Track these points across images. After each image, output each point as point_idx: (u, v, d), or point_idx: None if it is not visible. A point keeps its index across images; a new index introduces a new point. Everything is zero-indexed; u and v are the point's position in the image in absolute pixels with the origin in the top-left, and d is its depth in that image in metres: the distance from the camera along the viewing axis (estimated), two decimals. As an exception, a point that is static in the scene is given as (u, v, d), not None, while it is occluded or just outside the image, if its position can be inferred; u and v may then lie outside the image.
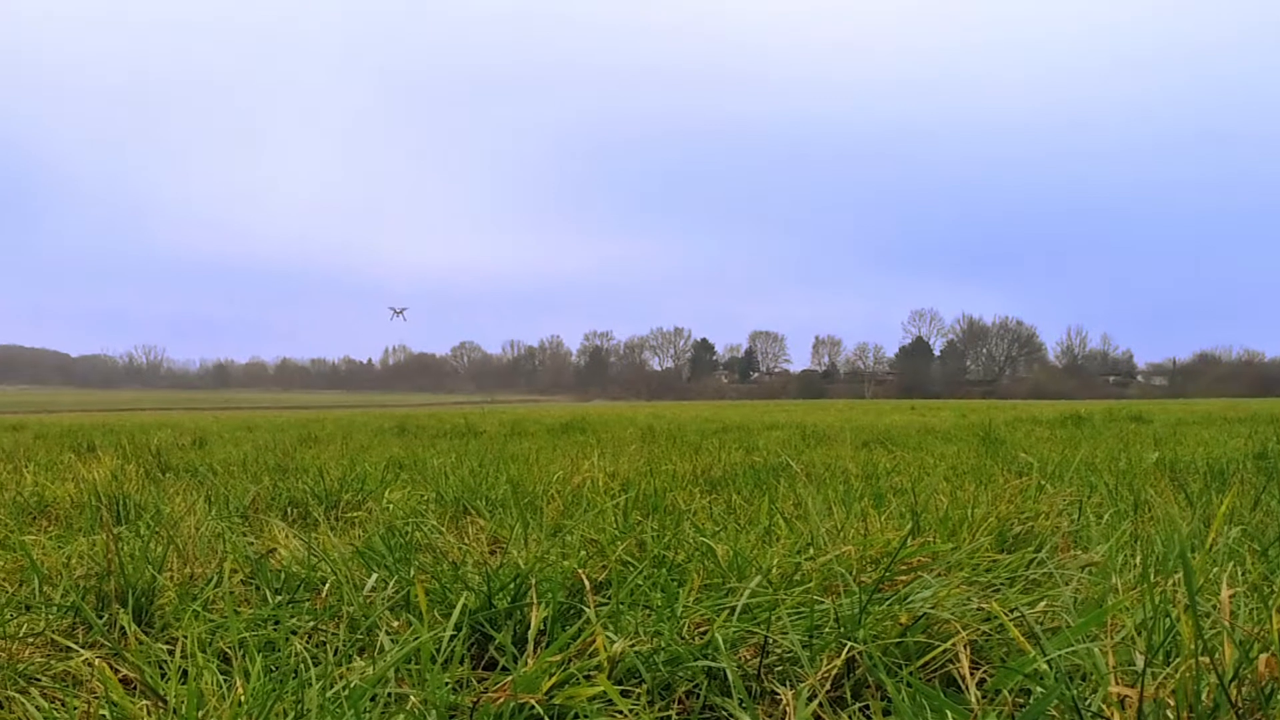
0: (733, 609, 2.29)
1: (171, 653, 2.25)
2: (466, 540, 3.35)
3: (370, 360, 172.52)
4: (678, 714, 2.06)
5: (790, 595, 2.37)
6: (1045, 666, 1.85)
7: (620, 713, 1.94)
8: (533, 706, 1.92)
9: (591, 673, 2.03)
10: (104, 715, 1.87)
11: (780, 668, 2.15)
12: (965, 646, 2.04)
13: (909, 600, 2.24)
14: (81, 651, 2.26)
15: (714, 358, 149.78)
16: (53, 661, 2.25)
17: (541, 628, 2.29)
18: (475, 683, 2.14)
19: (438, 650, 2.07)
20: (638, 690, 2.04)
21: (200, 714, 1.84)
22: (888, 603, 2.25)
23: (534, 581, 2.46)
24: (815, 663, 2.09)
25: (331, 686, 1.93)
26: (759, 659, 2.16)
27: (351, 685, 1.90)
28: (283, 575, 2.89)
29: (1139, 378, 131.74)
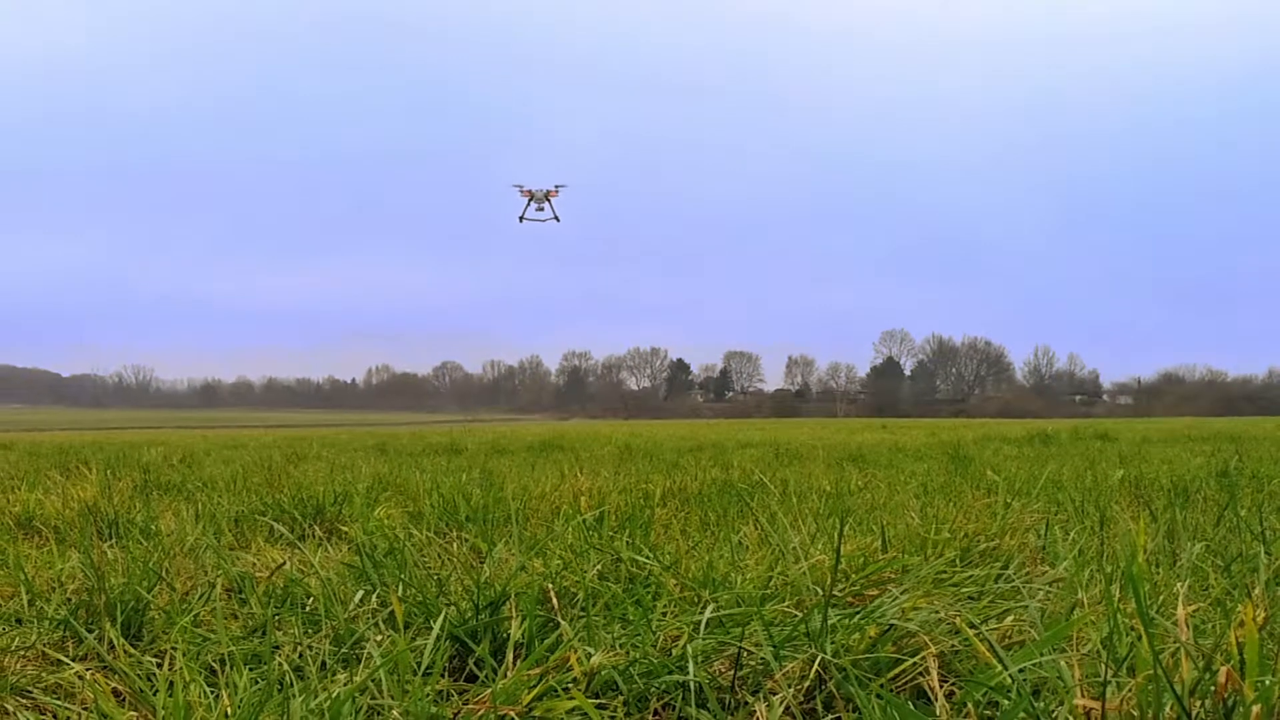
0: (704, 623, 2.33)
1: (160, 665, 2.29)
2: (450, 555, 3.38)
3: (354, 380, 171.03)
4: (653, 726, 2.10)
5: (763, 609, 2.41)
6: (1009, 680, 1.89)
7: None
8: (512, 718, 1.96)
9: (569, 685, 2.06)
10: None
11: (753, 679, 2.19)
12: (934, 659, 2.09)
13: (878, 614, 2.29)
14: (72, 664, 2.30)
15: (690, 377, 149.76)
16: (44, 674, 2.30)
17: (521, 639, 2.33)
18: (456, 695, 2.18)
19: (419, 663, 2.11)
20: (614, 702, 2.08)
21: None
22: (857, 616, 2.29)
23: (513, 596, 2.49)
24: (788, 675, 2.12)
25: (316, 697, 1.97)
26: (733, 671, 2.19)
27: (334, 695, 1.95)
28: (270, 590, 2.93)
29: (1105, 396, 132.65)
